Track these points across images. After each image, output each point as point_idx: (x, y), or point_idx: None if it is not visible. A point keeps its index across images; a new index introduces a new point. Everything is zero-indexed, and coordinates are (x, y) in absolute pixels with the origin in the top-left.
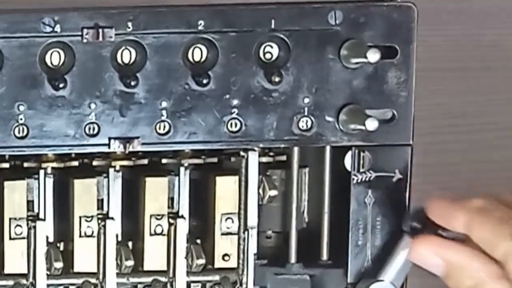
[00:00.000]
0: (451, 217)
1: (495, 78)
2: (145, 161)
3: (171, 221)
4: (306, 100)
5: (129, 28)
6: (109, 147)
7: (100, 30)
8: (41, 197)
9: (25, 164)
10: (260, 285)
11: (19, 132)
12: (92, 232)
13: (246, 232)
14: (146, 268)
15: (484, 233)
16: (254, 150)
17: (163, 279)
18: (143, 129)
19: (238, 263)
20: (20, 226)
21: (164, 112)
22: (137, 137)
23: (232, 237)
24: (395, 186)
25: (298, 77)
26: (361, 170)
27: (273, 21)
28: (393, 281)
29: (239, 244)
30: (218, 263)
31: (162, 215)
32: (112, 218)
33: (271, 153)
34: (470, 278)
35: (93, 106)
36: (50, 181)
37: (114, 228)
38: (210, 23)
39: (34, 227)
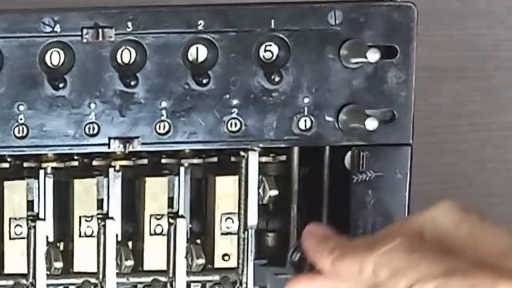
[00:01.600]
0: (318, 261)
1: (495, 78)
2: (145, 161)
3: (171, 221)
4: (306, 100)
5: (129, 28)
6: (109, 147)
7: (100, 30)
8: (41, 197)
9: (25, 164)
10: (260, 285)
11: (19, 132)
12: (92, 232)
13: (246, 232)
14: (146, 268)
15: (348, 267)
16: (254, 150)
17: (163, 279)
18: (143, 129)
19: (238, 263)
20: (20, 226)
21: (164, 112)
22: (137, 137)
23: (232, 237)
24: (395, 186)
25: (298, 77)
26: (361, 170)
27: (273, 21)
28: None
29: (239, 244)
30: (218, 263)
31: (162, 215)
32: (112, 218)
33: (271, 153)
34: None
35: (93, 106)
36: (50, 181)
37: (114, 228)
38: (210, 23)
39: (34, 227)
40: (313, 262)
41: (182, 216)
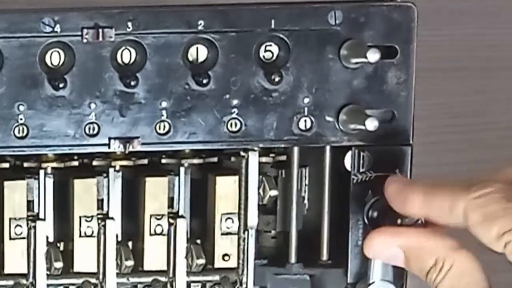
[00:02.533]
0: (406, 201)
1: (495, 78)
2: (145, 161)
3: (171, 221)
4: (306, 100)
5: (129, 28)
6: (109, 147)
7: (100, 30)
8: (41, 197)
9: (25, 164)
10: (260, 285)
11: (19, 132)
12: (92, 232)
13: (246, 232)
14: (146, 268)
15: (439, 202)
16: (254, 150)
17: (163, 279)
18: (143, 129)
19: (238, 263)
20: (20, 226)
21: (164, 112)
22: (137, 137)
23: (232, 237)
24: None
25: (298, 77)
26: (361, 170)
27: (273, 21)
28: (383, 278)
29: (239, 244)
30: (218, 263)
31: (162, 215)
32: (112, 218)
33: (271, 153)
34: (431, 256)
35: (93, 106)
36: (50, 181)
37: (114, 228)
38: (210, 23)
39: (34, 227)
40: (398, 209)
41: (182, 216)
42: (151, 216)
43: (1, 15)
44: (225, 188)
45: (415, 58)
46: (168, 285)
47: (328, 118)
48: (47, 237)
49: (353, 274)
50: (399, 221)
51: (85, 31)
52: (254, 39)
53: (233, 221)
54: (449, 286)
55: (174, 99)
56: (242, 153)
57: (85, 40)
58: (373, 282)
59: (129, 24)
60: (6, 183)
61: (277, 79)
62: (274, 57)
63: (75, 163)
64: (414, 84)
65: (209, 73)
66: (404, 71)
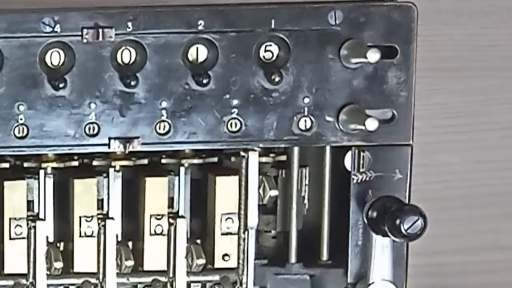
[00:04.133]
0: None
1: (495, 78)
2: (145, 161)
3: (171, 221)
4: (306, 100)
5: (129, 28)
6: (109, 147)
7: (100, 30)
8: (41, 197)
9: (25, 164)
10: (260, 285)
11: (19, 132)
12: (92, 232)
13: (246, 232)
14: (146, 268)
15: None
16: (254, 150)
17: (163, 279)
18: (143, 129)
19: (238, 263)
20: (20, 226)
21: (164, 112)
22: (137, 137)
23: (232, 237)
24: (395, 186)
25: (298, 77)
26: (361, 170)
27: (273, 21)
28: (383, 278)
29: (239, 244)
30: (218, 263)
31: (162, 215)
32: (112, 218)
33: (271, 153)
34: None
35: (93, 106)
36: (50, 181)
37: (114, 228)
38: (210, 23)
39: (34, 227)
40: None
41: (182, 216)
42: (151, 216)
43: (1, 15)
44: (225, 188)
45: (415, 58)
46: (168, 285)
47: (328, 118)
48: (47, 237)
49: (353, 274)
50: (397, 221)
51: (85, 31)
52: (254, 39)
53: (233, 221)
54: None
55: (174, 99)
56: (242, 153)
57: (85, 40)
58: (373, 282)
59: (129, 24)
60: (6, 183)
61: (277, 79)
62: (274, 57)
63: (75, 163)
64: (414, 84)
65: (209, 73)
66: (404, 71)
